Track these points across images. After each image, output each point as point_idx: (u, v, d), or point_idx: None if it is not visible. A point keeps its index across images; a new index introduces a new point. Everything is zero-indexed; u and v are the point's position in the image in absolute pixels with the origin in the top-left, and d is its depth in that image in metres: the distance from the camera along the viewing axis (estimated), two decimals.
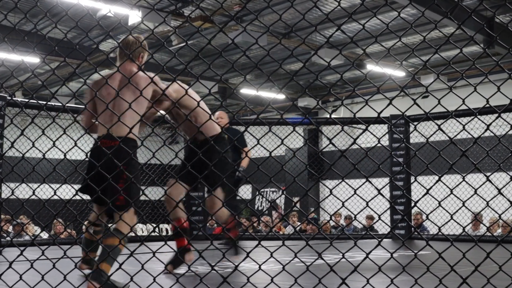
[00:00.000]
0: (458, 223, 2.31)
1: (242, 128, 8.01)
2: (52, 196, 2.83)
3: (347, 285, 2.21)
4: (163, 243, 2.43)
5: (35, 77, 2.61)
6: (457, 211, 2.29)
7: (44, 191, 4.23)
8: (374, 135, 2.22)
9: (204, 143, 4.33)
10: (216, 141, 4.39)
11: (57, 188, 2.75)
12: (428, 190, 2.16)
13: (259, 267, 2.32)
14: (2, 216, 8.81)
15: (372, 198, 2.31)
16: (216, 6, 10.55)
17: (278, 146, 2.36)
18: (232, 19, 2.39)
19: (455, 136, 2.32)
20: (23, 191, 5.87)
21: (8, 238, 7.66)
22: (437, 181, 2.18)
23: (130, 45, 3.73)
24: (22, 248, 2.54)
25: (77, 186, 3.22)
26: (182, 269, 4.38)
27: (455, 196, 2.28)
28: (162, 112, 4.38)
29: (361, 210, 2.24)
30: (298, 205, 12.20)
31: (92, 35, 12.80)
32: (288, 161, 14.60)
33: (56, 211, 3.30)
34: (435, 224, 2.25)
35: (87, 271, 3.80)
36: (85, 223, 3.59)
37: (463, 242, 7.25)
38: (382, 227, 11.06)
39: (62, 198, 2.82)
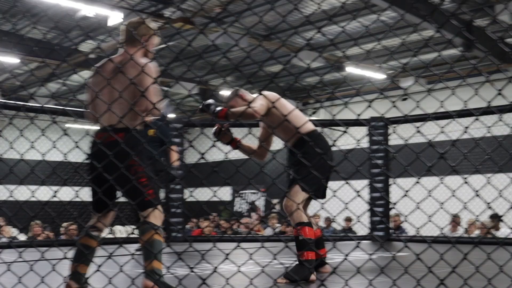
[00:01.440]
0: (436, 225, 2.33)
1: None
2: (30, 197, 2.80)
3: (326, 287, 2.21)
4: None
5: (14, 78, 2.58)
6: (435, 213, 2.31)
7: (22, 193, 4.19)
8: (353, 137, 2.23)
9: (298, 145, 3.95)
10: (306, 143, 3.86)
11: (35, 190, 2.73)
12: (406, 192, 2.17)
13: (238, 268, 2.32)
14: None
15: (351, 200, 2.32)
16: (197, 7, 10.52)
17: (258, 147, 2.36)
18: (212, 20, 2.39)
19: (434, 138, 2.34)
20: (0, 193, 5.81)
21: None
22: (415, 183, 2.20)
23: (134, 26, 3.10)
24: None
25: (55, 188, 2.92)
26: None
27: (433, 198, 2.30)
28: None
29: (340, 212, 2.24)
30: (277, 207, 12.22)
31: (72, 35, 12.71)
32: (267, 163, 14.57)
33: (34, 213, 3.24)
34: (414, 226, 2.26)
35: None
36: (64, 224, 3.06)
37: (441, 244, 7.29)
38: (361, 229, 11.10)
39: (40, 200, 2.80)
